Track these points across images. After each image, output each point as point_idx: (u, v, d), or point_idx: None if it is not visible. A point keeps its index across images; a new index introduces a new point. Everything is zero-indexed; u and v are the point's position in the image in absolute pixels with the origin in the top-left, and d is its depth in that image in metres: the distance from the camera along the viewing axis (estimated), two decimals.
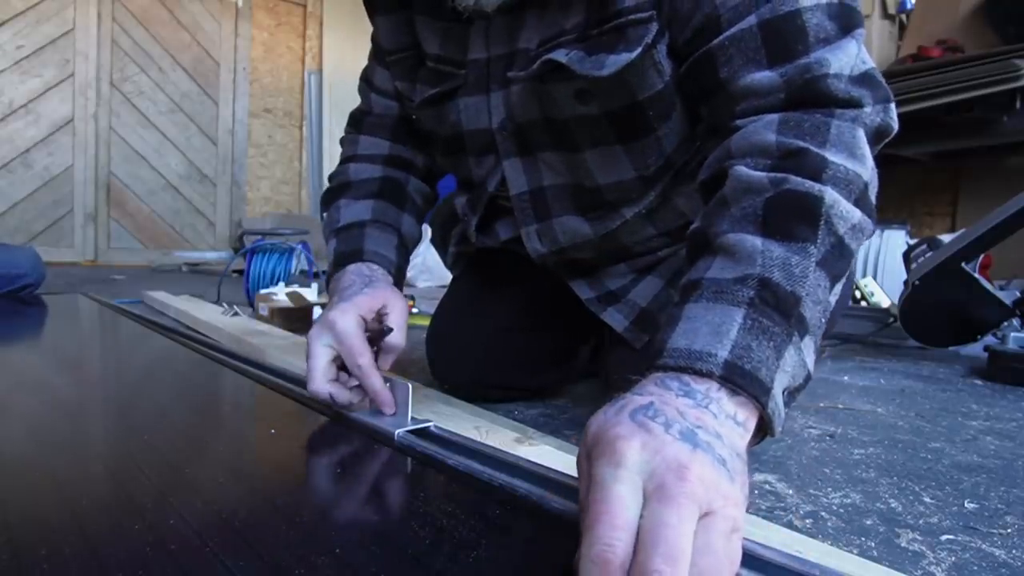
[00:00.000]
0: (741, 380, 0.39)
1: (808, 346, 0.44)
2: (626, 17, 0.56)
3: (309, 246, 2.19)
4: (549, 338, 0.89)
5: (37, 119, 3.51)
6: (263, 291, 1.74)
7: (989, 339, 1.42)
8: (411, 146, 0.82)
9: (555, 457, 0.58)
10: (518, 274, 0.84)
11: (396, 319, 0.64)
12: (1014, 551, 0.53)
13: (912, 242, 2.18)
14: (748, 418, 0.39)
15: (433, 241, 1.05)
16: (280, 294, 1.69)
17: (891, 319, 1.87)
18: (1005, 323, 1.41)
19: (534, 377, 0.90)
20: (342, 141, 0.84)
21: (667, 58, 0.57)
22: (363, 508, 0.45)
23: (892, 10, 2.85)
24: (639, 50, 0.55)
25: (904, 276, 1.67)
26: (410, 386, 0.60)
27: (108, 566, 0.33)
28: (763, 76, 0.52)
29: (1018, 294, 1.42)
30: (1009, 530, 0.57)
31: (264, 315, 1.62)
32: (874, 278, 2.52)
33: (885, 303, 2.33)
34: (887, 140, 0.54)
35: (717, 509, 0.33)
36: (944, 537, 0.55)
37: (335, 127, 4.40)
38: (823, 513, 0.60)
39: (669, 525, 0.30)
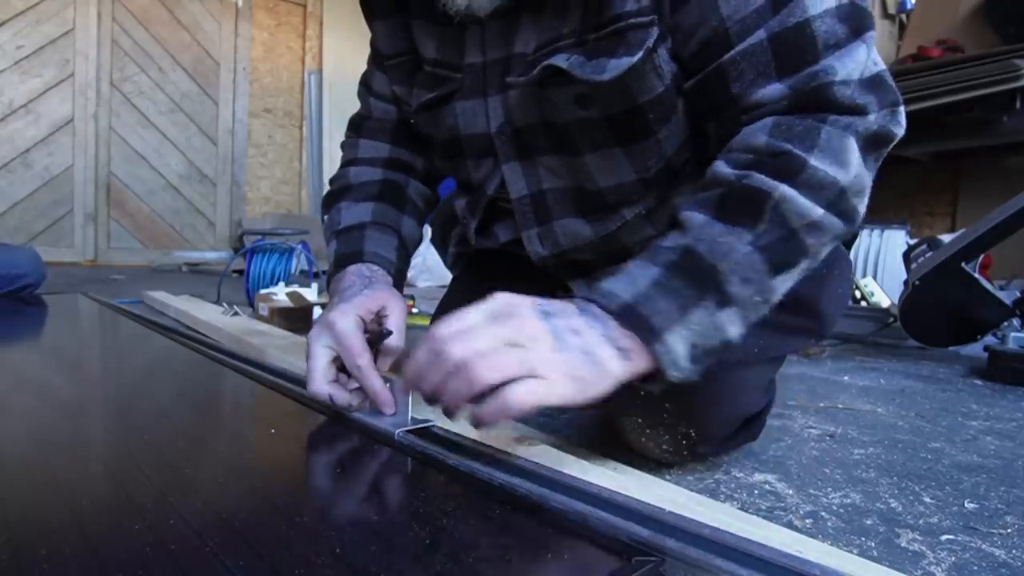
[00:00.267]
0: (632, 319, 0.48)
1: (731, 316, 0.50)
2: (626, 21, 0.56)
3: (309, 246, 2.19)
4: None
5: (37, 119, 3.51)
6: (263, 291, 1.74)
7: (989, 339, 1.42)
8: (411, 149, 0.82)
9: (555, 457, 0.58)
10: (517, 274, 0.84)
11: (395, 321, 0.64)
12: (1014, 551, 0.53)
13: (912, 242, 2.18)
14: (632, 349, 0.48)
15: (433, 241, 1.05)
16: (280, 294, 1.69)
17: (891, 319, 1.87)
18: (1005, 323, 1.41)
19: None
20: (343, 145, 0.84)
21: (668, 61, 0.57)
22: (363, 508, 0.45)
23: (892, 10, 2.85)
24: (640, 54, 0.55)
25: (904, 276, 1.67)
26: None
27: (108, 566, 0.33)
28: (772, 89, 0.53)
29: (1018, 294, 1.42)
30: (1009, 530, 0.57)
31: (264, 315, 1.62)
32: (874, 278, 2.52)
33: (885, 303, 2.33)
34: (892, 144, 0.54)
35: (524, 345, 0.46)
36: (944, 537, 0.55)
37: (335, 127, 4.40)
38: (823, 513, 0.60)
39: (475, 329, 0.46)
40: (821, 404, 1.03)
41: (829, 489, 0.66)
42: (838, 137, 0.51)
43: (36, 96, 3.49)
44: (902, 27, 2.95)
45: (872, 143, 0.53)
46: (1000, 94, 2.15)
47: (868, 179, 0.54)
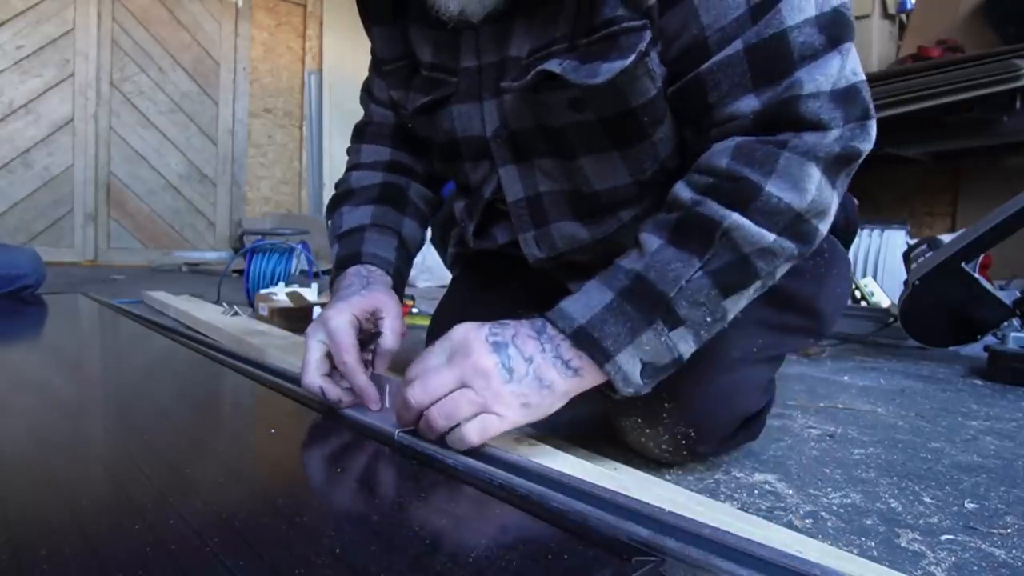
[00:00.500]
0: (585, 342, 0.52)
1: (682, 335, 0.53)
2: (619, 25, 0.56)
3: (309, 246, 2.19)
4: None
5: (37, 119, 3.51)
6: (263, 291, 1.74)
7: (989, 339, 1.42)
8: (411, 153, 0.83)
9: (555, 457, 0.58)
10: (516, 274, 0.84)
11: (389, 323, 0.65)
12: (1014, 551, 0.53)
13: (912, 242, 2.18)
14: (583, 368, 0.53)
15: (433, 241, 1.05)
16: (280, 294, 1.69)
17: (891, 319, 1.87)
18: (1005, 323, 1.41)
19: None
20: (347, 151, 0.86)
21: (660, 65, 0.58)
22: (363, 508, 0.45)
23: (892, 10, 2.84)
24: (633, 57, 0.55)
25: (904, 276, 1.67)
26: None
27: (108, 566, 0.33)
28: (746, 103, 0.53)
29: (1018, 294, 1.42)
30: (1009, 530, 0.57)
31: (264, 315, 1.62)
32: (874, 278, 2.52)
33: (885, 303, 2.33)
34: (860, 160, 0.55)
35: (474, 386, 0.51)
36: (944, 537, 0.55)
37: (335, 127, 4.40)
38: (823, 513, 0.60)
39: (435, 372, 0.53)
40: (821, 404, 1.03)
41: (829, 489, 0.66)
42: (797, 163, 0.52)
43: (36, 96, 3.49)
44: (902, 27, 2.95)
45: (835, 164, 0.53)
46: (1000, 94, 2.14)
47: (831, 199, 0.54)
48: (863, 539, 0.54)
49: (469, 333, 0.53)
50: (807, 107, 0.51)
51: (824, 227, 0.55)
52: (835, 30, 0.52)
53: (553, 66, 0.58)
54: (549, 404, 0.54)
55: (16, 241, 3.32)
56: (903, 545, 0.53)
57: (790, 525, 0.56)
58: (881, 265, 2.59)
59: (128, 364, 0.96)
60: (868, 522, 0.58)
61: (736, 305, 0.55)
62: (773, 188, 0.51)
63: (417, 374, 0.54)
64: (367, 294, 0.66)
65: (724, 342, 0.59)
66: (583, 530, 0.40)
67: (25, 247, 1.76)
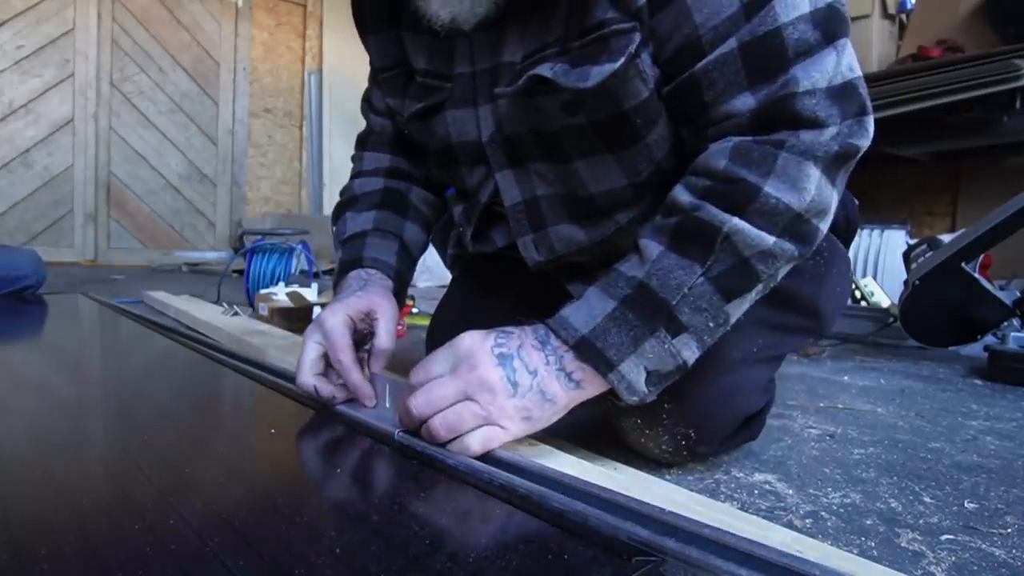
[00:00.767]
0: (588, 352, 0.52)
1: (685, 341, 0.53)
2: (608, 28, 0.56)
3: (309, 246, 2.19)
4: None
5: (37, 119, 3.51)
6: (263, 291, 1.74)
7: (989, 339, 1.42)
8: (410, 158, 0.84)
9: (555, 457, 0.58)
10: (515, 275, 0.84)
11: (383, 323, 0.66)
12: (1014, 551, 0.53)
13: (912, 242, 2.17)
14: (585, 380, 0.53)
15: (433, 242, 1.05)
16: (280, 294, 1.69)
17: (891, 319, 1.87)
18: (1005, 323, 1.41)
19: None
20: (351, 159, 0.87)
21: (651, 66, 0.57)
22: (363, 508, 0.45)
23: (892, 10, 2.84)
24: (623, 60, 0.55)
25: (904, 276, 1.67)
26: None
27: (108, 566, 0.33)
28: (742, 101, 0.53)
29: (1018, 294, 1.42)
30: (1009, 530, 0.57)
31: (264, 315, 1.62)
32: (874, 278, 2.52)
33: (885, 303, 2.33)
34: (858, 156, 0.55)
35: (479, 400, 0.51)
36: (944, 537, 0.55)
37: (335, 127, 4.40)
38: (823, 513, 0.60)
39: (438, 383, 0.52)
40: (821, 404, 1.03)
41: (829, 489, 0.66)
42: (795, 163, 0.51)
43: (36, 96, 3.50)
44: (902, 27, 2.94)
45: (834, 162, 0.53)
46: (1000, 94, 2.14)
47: (830, 198, 0.54)
48: (863, 539, 0.54)
49: (475, 343, 0.53)
50: (803, 104, 0.51)
51: (824, 226, 0.55)
52: (830, 26, 0.52)
53: (545, 70, 0.58)
54: (550, 416, 0.54)
55: (16, 241, 3.33)
56: (903, 545, 0.53)
57: (790, 525, 0.56)
58: (881, 265, 2.59)
59: (128, 364, 0.96)
60: (868, 522, 0.58)
61: (738, 308, 0.55)
62: (771, 189, 0.51)
63: (420, 382, 0.54)
64: (363, 295, 0.67)
65: (724, 343, 0.59)
66: (583, 530, 0.40)
67: (26, 248, 1.76)
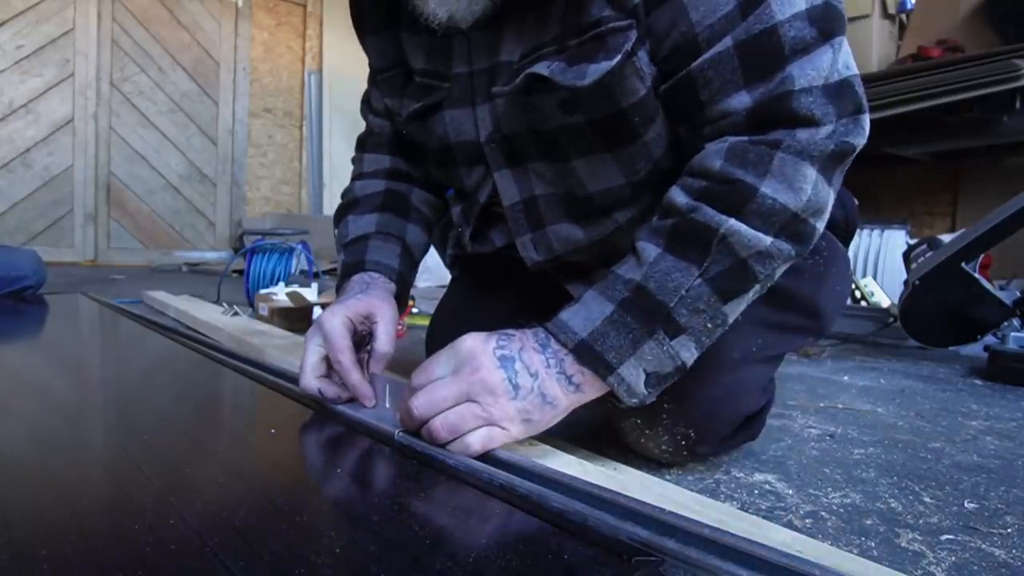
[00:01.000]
0: (587, 356, 0.53)
1: (684, 342, 0.54)
2: (605, 26, 0.56)
3: (309, 246, 2.19)
4: None
5: (37, 119, 3.51)
6: (263, 291, 1.74)
7: (989, 339, 1.42)
8: (409, 159, 0.83)
9: (555, 457, 0.58)
10: (514, 275, 0.84)
11: (383, 326, 0.66)
12: (1014, 551, 0.53)
13: (912, 242, 2.17)
14: (585, 383, 0.54)
15: (433, 242, 1.05)
16: (280, 294, 1.69)
17: (891, 319, 1.87)
18: (1005, 323, 1.41)
19: None
20: (352, 161, 0.87)
21: (648, 64, 0.57)
22: (363, 508, 0.45)
23: (892, 10, 2.84)
24: (619, 57, 0.55)
25: (904, 276, 1.67)
26: None
27: (108, 566, 0.33)
28: (738, 100, 0.53)
29: (1018, 294, 1.43)
30: (1009, 530, 0.57)
31: (264, 315, 1.62)
32: (874, 278, 2.52)
33: (885, 303, 2.33)
34: (854, 155, 0.54)
35: (480, 401, 0.51)
36: (944, 537, 0.55)
37: (335, 127, 4.40)
38: (823, 513, 0.60)
39: (440, 384, 0.53)
40: (821, 404, 1.03)
41: (829, 489, 0.66)
42: (791, 163, 0.51)
43: (36, 96, 3.49)
44: (902, 27, 2.94)
45: (830, 161, 0.53)
46: (1000, 94, 2.14)
47: (827, 197, 0.54)
48: (863, 539, 0.54)
49: (476, 345, 0.53)
50: (800, 103, 0.51)
51: (821, 225, 0.55)
52: (826, 24, 0.52)
53: (542, 69, 0.58)
54: (551, 419, 0.55)
55: (16, 241, 3.33)
56: (903, 545, 0.53)
57: (790, 525, 0.56)
58: (881, 265, 2.59)
59: (128, 364, 0.96)
60: (868, 522, 0.58)
61: (736, 309, 0.55)
62: (768, 189, 0.51)
63: (421, 383, 0.54)
64: (363, 298, 0.67)
65: (724, 343, 0.59)
66: (583, 530, 0.40)
67: (26, 248, 1.76)
